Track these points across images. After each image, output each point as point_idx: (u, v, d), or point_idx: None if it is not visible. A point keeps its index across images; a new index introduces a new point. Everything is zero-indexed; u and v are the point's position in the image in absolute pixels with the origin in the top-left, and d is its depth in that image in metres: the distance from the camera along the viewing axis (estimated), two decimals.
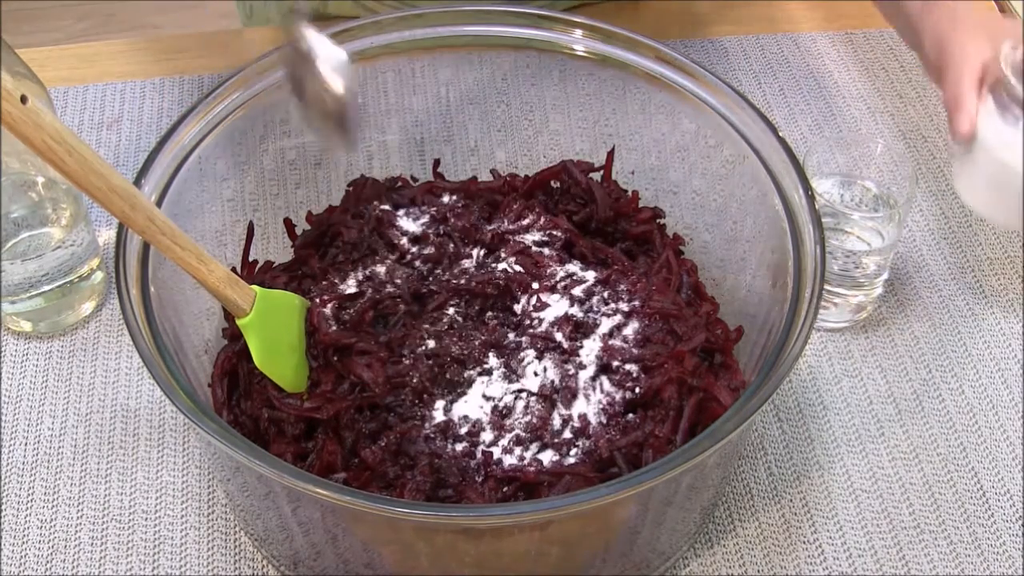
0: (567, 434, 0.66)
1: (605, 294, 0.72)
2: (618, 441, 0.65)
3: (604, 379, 0.68)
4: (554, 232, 0.77)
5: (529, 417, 0.66)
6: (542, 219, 0.77)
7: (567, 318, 0.70)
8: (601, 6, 1.06)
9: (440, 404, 0.67)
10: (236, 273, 0.69)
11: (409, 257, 0.75)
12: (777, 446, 0.77)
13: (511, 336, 0.70)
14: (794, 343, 0.61)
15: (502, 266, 0.74)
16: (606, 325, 0.70)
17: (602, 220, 0.80)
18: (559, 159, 0.82)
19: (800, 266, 0.65)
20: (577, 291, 0.72)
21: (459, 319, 0.71)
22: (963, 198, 0.82)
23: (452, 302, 0.72)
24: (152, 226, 0.59)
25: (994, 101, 0.76)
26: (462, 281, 0.73)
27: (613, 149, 0.82)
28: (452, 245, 0.75)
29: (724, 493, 0.74)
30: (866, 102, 1.01)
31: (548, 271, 0.74)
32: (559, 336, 0.70)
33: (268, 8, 1.11)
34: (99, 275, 0.83)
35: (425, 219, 0.77)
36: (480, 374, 0.68)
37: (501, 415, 0.66)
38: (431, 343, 0.69)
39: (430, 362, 0.68)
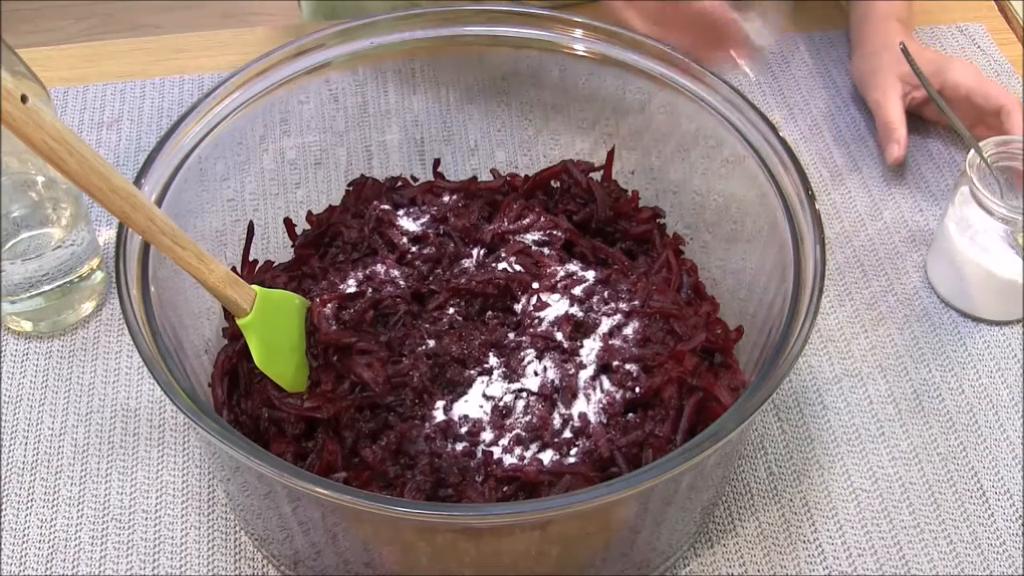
0: (567, 434, 0.66)
1: (605, 294, 0.72)
2: (618, 441, 0.65)
3: (604, 379, 0.68)
4: (554, 232, 0.77)
5: (529, 417, 0.66)
6: (542, 219, 0.77)
7: (567, 318, 0.70)
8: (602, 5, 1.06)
9: (440, 404, 0.67)
10: (236, 273, 0.69)
11: (409, 257, 0.75)
12: (777, 446, 0.77)
13: (511, 336, 0.70)
14: (794, 343, 0.61)
15: (502, 266, 0.74)
16: (606, 325, 0.70)
17: (602, 220, 0.80)
18: (559, 159, 0.82)
19: (800, 266, 0.65)
20: (577, 291, 0.72)
21: (459, 319, 0.71)
22: (932, 282, 0.86)
23: (452, 302, 0.72)
24: (152, 226, 0.59)
25: (968, 193, 0.81)
26: (462, 281, 0.73)
27: (613, 149, 0.82)
28: (452, 245, 0.75)
29: (724, 493, 0.74)
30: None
31: (548, 271, 0.74)
32: (559, 336, 0.70)
33: (349, 8, 1.10)
34: (99, 275, 0.83)
35: (425, 219, 0.77)
36: (480, 374, 0.68)
37: (501, 415, 0.66)
38: (431, 343, 0.69)
39: (430, 362, 0.68)
